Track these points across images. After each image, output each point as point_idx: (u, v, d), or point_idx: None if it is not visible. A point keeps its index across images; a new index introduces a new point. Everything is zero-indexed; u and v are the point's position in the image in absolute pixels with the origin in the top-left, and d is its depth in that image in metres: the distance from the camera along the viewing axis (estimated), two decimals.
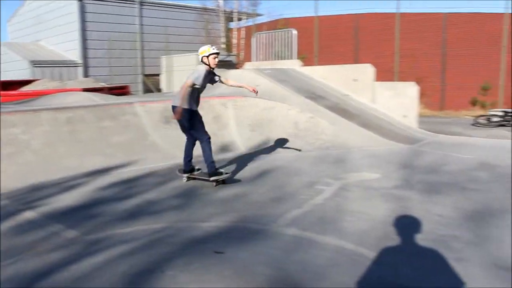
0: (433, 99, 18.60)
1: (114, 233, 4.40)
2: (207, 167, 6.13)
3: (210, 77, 6.16)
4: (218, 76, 6.32)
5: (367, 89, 11.05)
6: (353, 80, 11.27)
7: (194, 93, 6.01)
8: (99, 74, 21.26)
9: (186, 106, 5.92)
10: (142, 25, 23.00)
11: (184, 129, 6.25)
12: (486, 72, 17.39)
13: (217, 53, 6.03)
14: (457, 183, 6.12)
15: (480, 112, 15.72)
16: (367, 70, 11.20)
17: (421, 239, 4.18)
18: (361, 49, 20.69)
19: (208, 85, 6.23)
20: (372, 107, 10.69)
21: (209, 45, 6.09)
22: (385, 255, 3.85)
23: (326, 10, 29.48)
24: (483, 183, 6.12)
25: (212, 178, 6.06)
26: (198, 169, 6.49)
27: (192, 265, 3.47)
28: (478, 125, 13.23)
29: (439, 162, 7.39)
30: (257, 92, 6.45)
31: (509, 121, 13.13)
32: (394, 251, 3.95)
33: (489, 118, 13.50)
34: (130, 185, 6.20)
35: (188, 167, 6.37)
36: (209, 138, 6.13)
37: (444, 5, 34.43)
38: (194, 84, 5.88)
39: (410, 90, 10.76)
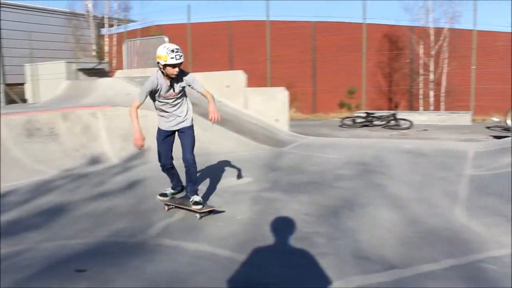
0: (305, 103, 19.60)
1: None
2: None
3: (171, 84, 4.85)
4: (192, 85, 4.96)
5: (240, 95, 11.29)
6: (226, 87, 11.45)
7: (163, 107, 5.00)
8: None
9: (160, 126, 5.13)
10: (1, 29, 21.17)
11: None
12: (351, 77, 18.74)
13: (176, 64, 4.65)
14: (323, 182, 6.47)
15: (347, 114, 16.86)
16: (239, 76, 11.45)
17: (288, 238, 4.34)
18: (235, 56, 21.19)
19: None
20: (245, 112, 10.95)
21: (168, 50, 4.59)
22: (254, 257, 3.94)
23: (199, 17, 29.64)
24: (346, 180, 6.54)
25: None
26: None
27: None
28: (344, 126, 14.17)
29: (308, 163, 7.77)
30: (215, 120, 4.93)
31: (371, 121, 14.24)
32: (263, 251, 4.06)
33: (354, 120, 14.54)
34: None
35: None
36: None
37: (312, 13, 36.45)
38: (141, 103, 4.80)
39: (281, 95, 11.19)
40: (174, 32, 19.94)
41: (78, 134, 8.65)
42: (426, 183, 6.38)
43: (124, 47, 15.20)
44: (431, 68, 17.68)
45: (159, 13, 44.72)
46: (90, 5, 23.62)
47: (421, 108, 18.02)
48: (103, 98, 10.30)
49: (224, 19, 21.68)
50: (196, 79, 5.07)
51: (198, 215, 4.98)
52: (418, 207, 5.32)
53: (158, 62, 4.71)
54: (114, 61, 23.09)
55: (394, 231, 4.59)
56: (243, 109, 11.09)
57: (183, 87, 4.99)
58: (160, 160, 5.24)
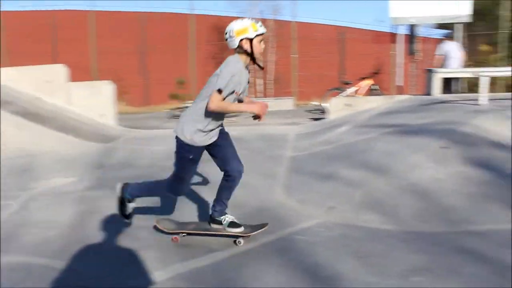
0: (137, 95, 19.21)
1: None
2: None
3: (246, 76, 3.81)
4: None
5: (62, 90, 10.56)
6: (46, 82, 10.62)
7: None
8: None
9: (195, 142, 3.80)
10: None
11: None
12: (182, 67, 18.82)
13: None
14: (151, 175, 6.34)
15: (179, 105, 16.92)
16: (60, 71, 10.71)
17: (111, 236, 4.26)
18: (61, 48, 19.76)
19: None
20: (68, 109, 10.27)
21: (250, 19, 3.61)
22: (74, 261, 3.79)
23: (15, 5, 27.07)
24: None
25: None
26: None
27: None
28: (174, 117, 14.18)
29: (134, 157, 7.59)
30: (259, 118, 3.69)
31: None
32: (83, 254, 3.93)
33: (182, 110, 14.62)
34: None
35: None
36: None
37: (141, 4, 35.63)
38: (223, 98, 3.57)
39: (106, 89, 10.74)
40: None
41: None
42: (250, 168, 6.63)
43: None
44: None
45: None
46: None
47: (251, 95, 18.86)
48: None
49: (45, 8, 20.11)
50: None
51: (241, 241, 4.00)
52: (243, 191, 5.54)
53: (241, 40, 3.62)
54: None
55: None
56: (65, 105, 10.40)
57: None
58: (181, 188, 4.03)
